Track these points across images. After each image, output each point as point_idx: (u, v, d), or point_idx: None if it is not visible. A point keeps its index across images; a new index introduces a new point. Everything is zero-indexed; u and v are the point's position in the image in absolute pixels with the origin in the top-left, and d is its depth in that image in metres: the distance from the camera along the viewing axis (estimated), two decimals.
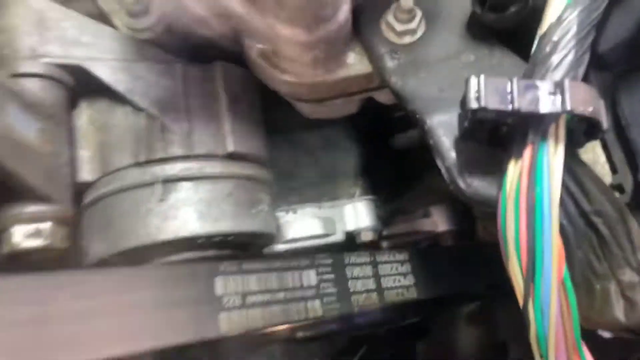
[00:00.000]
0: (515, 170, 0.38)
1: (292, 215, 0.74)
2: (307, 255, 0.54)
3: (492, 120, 0.37)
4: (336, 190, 0.78)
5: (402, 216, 0.94)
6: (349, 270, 0.56)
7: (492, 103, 0.35)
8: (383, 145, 0.86)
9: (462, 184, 0.42)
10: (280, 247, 0.70)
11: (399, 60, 0.49)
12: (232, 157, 0.53)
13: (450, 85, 0.46)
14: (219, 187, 0.52)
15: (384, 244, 0.90)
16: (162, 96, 0.52)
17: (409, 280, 0.63)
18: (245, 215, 0.53)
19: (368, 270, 0.59)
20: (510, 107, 0.35)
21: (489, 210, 0.42)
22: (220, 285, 0.46)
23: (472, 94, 0.35)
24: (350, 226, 0.76)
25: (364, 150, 0.83)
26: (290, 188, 0.76)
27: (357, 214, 0.77)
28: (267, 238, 0.57)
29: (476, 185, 0.41)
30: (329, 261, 0.55)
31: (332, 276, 0.54)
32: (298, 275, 0.52)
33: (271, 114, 0.65)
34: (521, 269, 0.39)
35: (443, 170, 0.43)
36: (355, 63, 0.52)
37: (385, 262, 0.61)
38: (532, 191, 0.37)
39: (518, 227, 0.39)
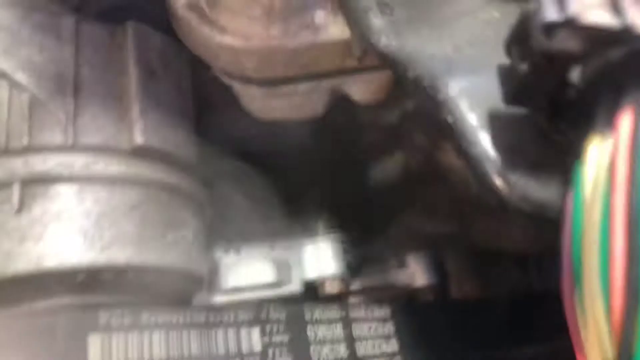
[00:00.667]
0: (600, 154, 0.23)
1: (235, 257, 0.56)
2: (248, 306, 0.36)
3: (566, 61, 0.22)
4: (293, 225, 0.61)
5: (373, 266, 0.77)
6: (312, 329, 0.39)
7: (590, 13, 0.19)
8: (352, 173, 0.70)
9: (499, 182, 0.26)
10: (217, 299, 0.52)
11: (391, 17, 0.34)
12: (140, 153, 0.36)
13: (471, 42, 0.31)
14: (118, 195, 0.34)
15: (352, 300, 0.73)
16: (38, 59, 0.35)
17: (392, 346, 0.45)
18: (157, 242, 0.35)
19: (338, 330, 0.41)
20: (617, 22, 0.20)
21: (546, 223, 0.26)
22: (98, 348, 0.27)
23: None
24: (312, 273, 0.58)
25: (330, 176, 0.67)
26: (231, 219, 0.58)
27: (320, 257, 0.60)
28: (193, 281, 0.39)
29: (524, 183, 0.25)
30: (282, 315, 0.37)
31: (286, 338, 0.36)
32: (234, 335, 0.34)
33: (207, 117, 0.49)
34: (608, 318, 0.23)
35: (469, 163, 0.27)
36: (325, 24, 0.36)
37: (362, 320, 0.44)
38: (637, 186, 0.21)
39: (607, 249, 0.22)
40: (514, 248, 0.81)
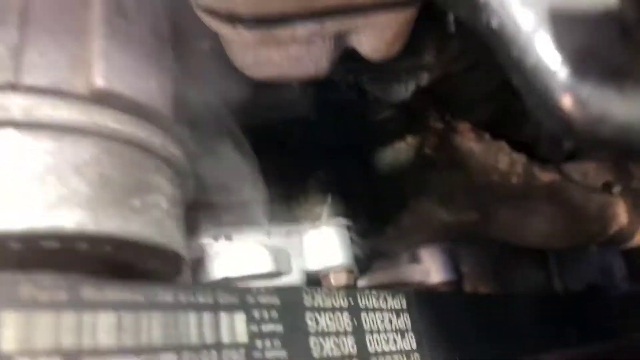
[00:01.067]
0: None
1: (225, 244, 0.49)
2: (230, 287, 0.29)
3: None
4: (293, 209, 0.54)
5: (383, 260, 0.70)
6: (312, 318, 0.31)
7: None
8: (360, 156, 0.63)
9: (566, 100, 0.19)
10: None
11: None
12: (100, 98, 0.29)
13: None
14: (69, 147, 0.27)
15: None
16: None
17: (409, 342, 0.38)
18: (118, 207, 0.28)
19: (344, 320, 0.34)
20: None
21: (633, 154, 0.19)
22: (14, 329, 0.20)
23: None
24: (314, 264, 0.51)
25: (335, 160, 0.60)
26: (222, 203, 0.51)
27: (325, 246, 0.53)
28: (167, 261, 0.32)
29: (600, 99, 0.18)
30: (275, 300, 0.30)
31: (279, 327, 0.29)
32: (211, 320, 0.26)
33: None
34: None
35: (520, 78, 0.20)
36: None
37: (373, 310, 0.37)
38: None
39: None
40: (538, 242, 0.74)
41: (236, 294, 0.28)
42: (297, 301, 0.31)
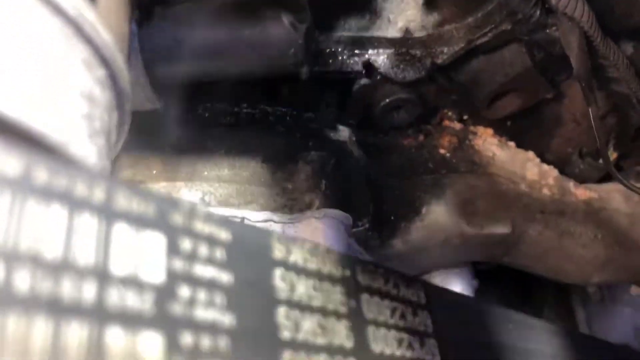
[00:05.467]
0: None
1: None
2: (146, 193, 0.17)
3: None
4: (277, 195, 0.42)
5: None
6: (284, 278, 0.20)
7: None
8: (363, 149, 0.52)
9: None
10: None
11: None
12: None
13: None
14: None
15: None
16: None
17: (430, 352, 0.26)
18: None
19: (337, 295, 0.22)
20: None
21: None
22: None
23: None
24: None
25: (332, 144, 0.49)
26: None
27: (314, 240, 0.41)
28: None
29: None
30: (223, 235, 0.18)
31: (225, 277, 0.17)
32: (90, 226, 0.14)
33: None
34: None
35: None
36: None
37: (379, 294, 0.25)
38: None
39: None
40: (574, 273, 0.61)
41: (153, 203, 0.16)
42: (262, 248, 0.20)
